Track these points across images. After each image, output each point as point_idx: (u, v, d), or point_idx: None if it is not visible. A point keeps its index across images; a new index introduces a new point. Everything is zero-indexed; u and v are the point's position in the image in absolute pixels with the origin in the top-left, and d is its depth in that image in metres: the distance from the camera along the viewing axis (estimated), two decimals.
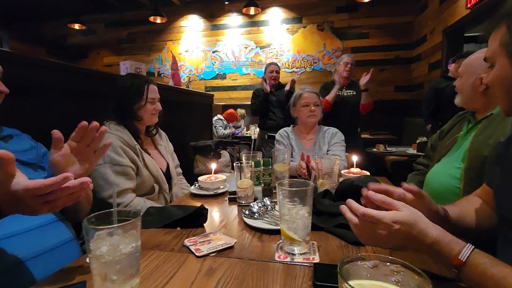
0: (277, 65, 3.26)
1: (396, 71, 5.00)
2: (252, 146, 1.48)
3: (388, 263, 0.41)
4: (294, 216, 0.73)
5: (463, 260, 0.52)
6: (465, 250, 0.53)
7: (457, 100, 1.28)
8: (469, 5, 3.18)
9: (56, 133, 0.68)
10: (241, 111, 5.09)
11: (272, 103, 3.13)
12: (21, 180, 0.55)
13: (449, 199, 1.18)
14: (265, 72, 3.24)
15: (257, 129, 5.02)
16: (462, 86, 1.24)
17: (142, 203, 1.25)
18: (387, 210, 0.59)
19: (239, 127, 5.12)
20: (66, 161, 0.71)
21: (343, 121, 2.52)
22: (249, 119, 5.45)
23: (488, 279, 0.50)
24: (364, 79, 2.63)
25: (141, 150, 1.33)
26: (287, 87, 3.10)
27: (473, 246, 0.54)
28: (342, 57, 2.87)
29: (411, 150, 2.79)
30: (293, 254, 0.72)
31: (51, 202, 0.57)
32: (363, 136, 3.77)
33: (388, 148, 2.96)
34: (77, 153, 0.73)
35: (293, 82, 3.13)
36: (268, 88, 3.08)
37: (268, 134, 3.09)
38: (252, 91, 3.34)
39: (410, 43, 4.86)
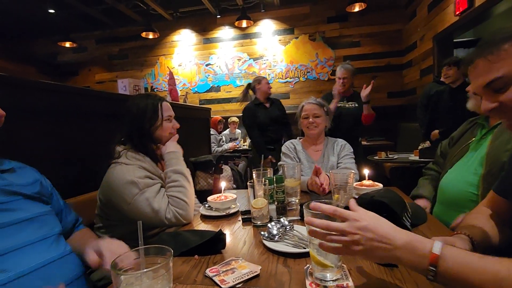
0: (264, 78, 3.31)
1: (388, 77, 5.07)
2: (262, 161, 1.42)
3: None
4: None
5: (438, 254, 0.53)
6: (436, 245, 0.54)
7: (470, 104, 1.27)
8: (457, 12, 3.25)
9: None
10: (234, 119, 5.06)
11: (266, 122, 3.07)
12: None
13: (467, 206, 1.15)
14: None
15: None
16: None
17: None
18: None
19: (236, 139, 5.07)
20: None
21: (345, 132, 2.50)
22: (245, 131, 5.41)
23: (465, 267, 0.51)
24: (364, 92, 2.62)
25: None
26: None
27: (441, 242, 0.55)
28: (337, 71, 2.87)
29: (413, 157, 2.78)
30: (326, 281, 0.68)
31: None
32: None
33: (389, 155, 2.94)
34: None
35: None
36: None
37: (266, 147, 3.01)
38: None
39: (401, 50, 4.95)
